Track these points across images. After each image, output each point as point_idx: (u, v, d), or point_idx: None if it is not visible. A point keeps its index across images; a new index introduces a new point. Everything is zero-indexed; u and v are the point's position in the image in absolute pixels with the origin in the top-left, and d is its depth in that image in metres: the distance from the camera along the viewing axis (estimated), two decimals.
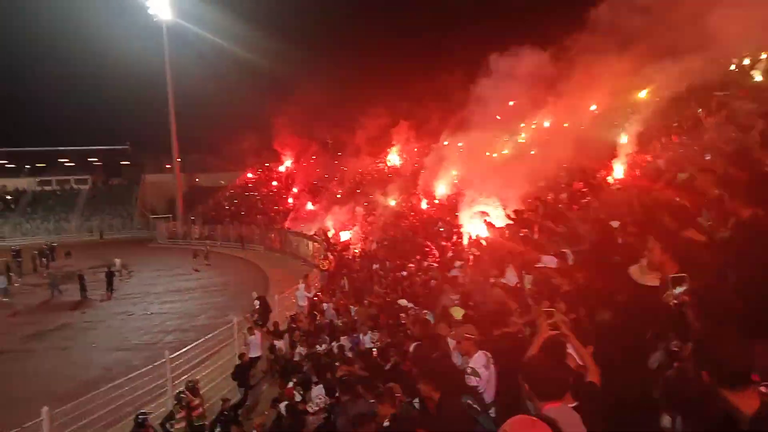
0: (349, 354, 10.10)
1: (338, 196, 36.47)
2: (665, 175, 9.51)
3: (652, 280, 4.33)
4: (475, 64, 19.50)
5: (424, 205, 25.43)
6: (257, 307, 17.46)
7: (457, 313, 7.07)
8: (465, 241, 15.47)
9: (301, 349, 12.31)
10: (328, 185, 40.84)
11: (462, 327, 5.93)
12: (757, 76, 12.31)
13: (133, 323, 20.38)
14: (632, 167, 13.08)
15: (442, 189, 23.94)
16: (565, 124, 18.40)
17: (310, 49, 62.68)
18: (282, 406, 9.16)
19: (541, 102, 18.14)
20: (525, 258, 8.39)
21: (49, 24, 59.95)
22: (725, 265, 4.29)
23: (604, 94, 15.13)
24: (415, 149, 38.28)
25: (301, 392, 9.26)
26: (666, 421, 3.31)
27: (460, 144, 22.87)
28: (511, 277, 8.47)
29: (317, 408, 8.23)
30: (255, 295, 18.27)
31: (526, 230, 10.79)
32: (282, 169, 52.16)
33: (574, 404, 3.42)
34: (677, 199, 6.66)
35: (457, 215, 18.56)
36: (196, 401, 10.44)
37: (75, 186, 65.23)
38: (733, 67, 13.04)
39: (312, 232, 31.51)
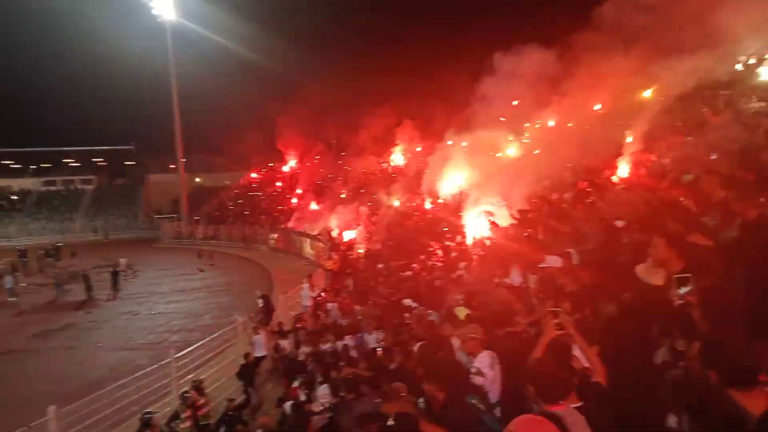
0: (354, 353, 10.10)
1: (342, 196, 36.45)
2: (670, 174, 9.49)
3: (657, 280, 4.33)
4: (480, 63, 19.49)
5: (428, 205, 25.38)
6: (260, 305, 17.51)
7: (462, 313, 7.06)
8: (469, 242, 15.44)
9: (305, 349, 12.32)
10: (332, 185, 40.81)
11: (467, 327, 5.93)
12: (764, 75, 12.25)
13: (138, 323, 20.44)
14: (637, 167, 13.03)
15: (446, 189, 23.89)
16: (570, 124, 18.34)
17: (314, 48, 62.85)
18: (287, 405, 9.18)
19: (545, 101, 18.08)
20: (529, 258, 8.38)
21: (53, 24, 60.40)
22: (732, 266, 4.28)
23: (609, 93, 15.09)
24: (418, 149, 38.17)
25: (306, 392, 9.27)
26: (672, 421, 3.30)
27: (464, 144, 22.79)
28: (515, 278, 8.46)
29: (322, 407, 8.23)
30: (258, 293, 18.31)
31: (531, 230, 10.78)
32: (286, 169, 52.21)
33: (578, 404, 3.42)
34: (682, 199, 6.65)
35: (461, 215, 18.54)
36: (202, 401, 10.47)
37: (80, 186, 65.59)
38: (739, 66, 12.97)
39: (316, 232, 31.52)
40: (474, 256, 12.98)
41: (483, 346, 5.39)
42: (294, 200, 43.47)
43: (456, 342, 6.11)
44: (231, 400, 10.88)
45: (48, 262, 35.64)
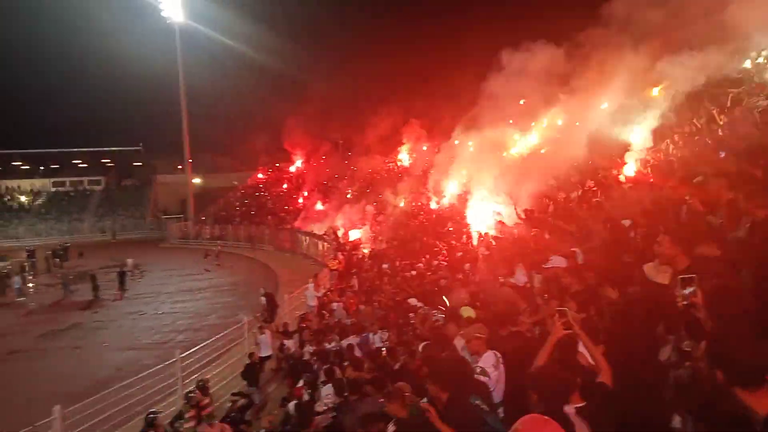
0: (358, 353, 10.07)
1: (348, 195, 36.47)
2: (678, 173, 9.40)
3: (664, 279, 4.29)
4: (487, 62, 19.39)
5: (433, 204, 25.34)
6: (263, 303, 17.54)
7: (467, 312, 7.01)
8: (474, 241, 15.37)
9: (309, 348, 12.30)
10: (338, 185, 40.84)
11: (472, 326, 5.88)
12: None
13: (144, 323, 20.51)
14: (644, 165, 12.93)
15: (452, 188, 23.84)
16: (577, 123, 18.24)
17: (321, 48, 63.09)
18: (291, 405, 9.16)
19: (552, 99, 18.00)
20: (535, 258, 8.32)
21: (63, 26, 60.75)
22: (739, 266, 4.23)
23: (617, 91, 14.98)
24: (424, 147, 38.11)
25: (310, 391, 9.25)
26: (677, 421, 3.26)
27: (470, 143, 22.74)
28: (520, 277, 8.40)
29: (326, 407, 8.20)
30: (262, 291, 18.34)
31: (537, 229, 10.72)
32: (292, 169, 52.29)
33: (582, 405, 3.38)
34: (688, 198, 6.59)
35: (466, 214, 18.48)
36: (206, 400, 10.45)
37: (88, 187, 65.99)
38: (747, 63, 12.84)
39: (322, 232, 31.55)
40: (479, 256, 12.91)
41: (488, 346, 5.35)
42: (300, 200, 43.53)
43: (460, 342, 6.06)
44: (234, 401, 10.88)
45: (55, 262, 35.86)
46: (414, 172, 33.73)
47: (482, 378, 4.95)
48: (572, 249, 7.43)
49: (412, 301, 11.25)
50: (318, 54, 60.90)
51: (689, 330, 3.51)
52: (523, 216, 12.62)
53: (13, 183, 63.54)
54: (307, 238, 33.41)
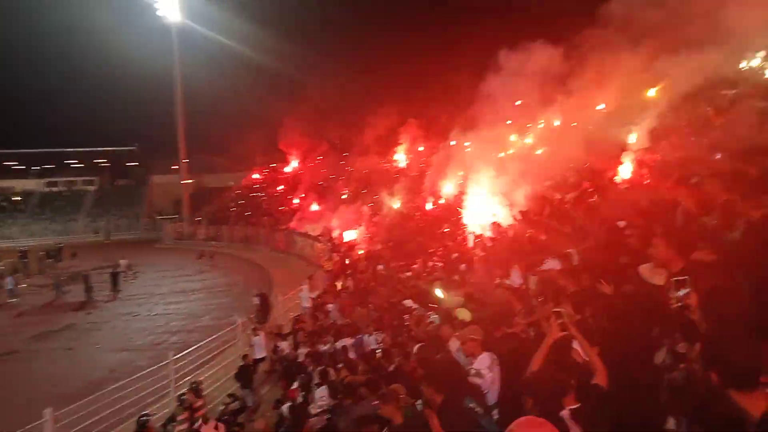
0: (353, 355, 10.03)
1: (344, 196, 36.42)
2: (673, 174, 9.40)
3: (659, 280, 4.28)
4: (483, 62, 19.38)
5: (429, 205, 25.33)
6: (256, 303, 17.49)
7: (462, 314, 6.99)
8: (470, 243, 15.36)
9: (304, 350, 12.26)
10: (334, 185, 40.80)
11: (467, 328, 5.86)
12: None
13: (137, 324, 20.41)
14: (640, 167, 12.95)
15: (448, 189, 23.84)
16: (574, 123, 18.26)
17: (317, 48, 62.88)
18: (285, 407, 9.11)
19: (549, 100, 18.02)
20: (530, 259, 8.32)
21: (58, 25, 60.52)
22: (735, 267, 4.22)
23: (613, 92, 15.01)
24: (421, 148, 38.11)
25: (302, 394, 9.20)
26: (671, 423, 3.24)
27: (467, 144, 22.75)
28: (515, 278, 8.39)
29: (320, 410, 8.16)
30: (255, 292, 18.31)
31: (533, 230, 10.72)
32: (288, 169, 52.22)
33: (576, 406, 3.36)
34: (682, 200, 6.59)
35: (462, 216, 18.48)
36: (199, 403, 10.39)
37: (82, 187, 65.67)
38: (743, 64, 12.89)
39: (317, 233, 31.48)
40: (474, 257, 12.90)
41: (483, 348, 5.33)
42: (296, 201, 43.46)
43: (455, 343, 6.04)
44: (227, 404, 10.81)
45: (48, 263, 35.68)
46: (410, 172, 33.74)
47: (477, 380, 4.93)
48: (567, 250, 7.42)
49: (408, 302, 11.24)
50: (314, 54, 60.73)
51: (684, 332, 3.50)
52: (518, 217, 12.62)
53: (5, 183, 63.14)
54: (302, 239, 33.33)
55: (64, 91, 70.89)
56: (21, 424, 9.24)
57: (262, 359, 13.67)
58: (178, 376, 11.80)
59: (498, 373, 5.06)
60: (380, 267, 17.95)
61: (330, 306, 15.48)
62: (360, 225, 28.42)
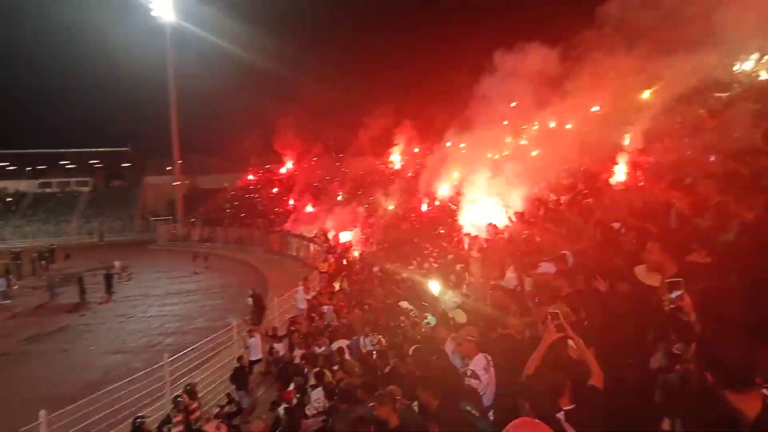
0: (348, 357, 10.02)
1: (339, 198, 36.39)
2: (667, 176, 9.46)
3: (655, 281, 4.30)
4: (479, 63, 19.43)
5: (425, 207, 25.34)
6: (250, 304, 17.45)
7: (459, 316, 7.00)
8: (465, 245, 15.38)
9: (299, 352, 12.24)
10: (329, 187, 40.75)
11: (463, 329, 5.87)
12: (762, 76, 12.24)
13: (132, 326, 20.32)
14: (635, 168, 13.01)
15: (443, 190, 23.87)
16: (568, 125, 18.34)
17: (312, 49, 62.92)
18: (281, 409, 9.09)
19: (544, 101, 18.07)
20: (525, 260, 8.33)
21: (51, 25, 60.29)
22: (729, 268, 4.24)
23: (607, 94, 15.08)
24: (416, 150, 38.13)
25: (298, 396, 9.19)
26: (666, 424, 3.26)
27: (462, 145, 22.79)
28: (510, 280, 8.41)
29: (315, 411, 8.16)
30: (249, 292, 18.26)
31: (528, 232, 10.75)
32: (283, 170, 52.13)
33: (570, 407, 3.38)
34: (675, 202, 6.64)
35: (457, 217, 18.50)
36: (194, 405, 10.36)
37: (76, 188, 65.32)
38: (736, 67, 12.98)
39: (312, 234, 31.44)
40: (470, 259, 12.91)
41: (478, 349, 5.34)
42: (291, 202, 43.38)
43: (451, 344, 6.05)
44: (222, 407, 10.78)
45: (42, 264, 35.49)
46: (405, 174, 33.75)
47: (473, 381, 4.95)
48: (562, 252, 7.44)
49: (403, 304, 11.23)
50: (309, 55, 60.81)
51: (678, 332, 3.52)
52: (514, 218, 12.66)
53: None
54: (297, 240, 33.28)
55: (58, 92, 70.66)
56: (16, 426, 9.17)
57: (258, 361, 13.64)
58: (173, 378, 11.75)
59: (493, 374, 5.08)
60: (376, 269, 17.94)
61: (325, 307, 15.47)
62: (355, 226, 28.41)
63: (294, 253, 33.13)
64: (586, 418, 3.38)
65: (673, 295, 3.39)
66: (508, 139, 21.38)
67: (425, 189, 25.49)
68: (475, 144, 20.35)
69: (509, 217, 13.16)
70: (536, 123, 20.95)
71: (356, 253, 24.37)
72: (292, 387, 9.91)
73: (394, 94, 45.37)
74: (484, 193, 16.97)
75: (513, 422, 2.69)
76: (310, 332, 13.45)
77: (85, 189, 65.46)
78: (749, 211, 4.71)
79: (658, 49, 12.86)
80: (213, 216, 48.48)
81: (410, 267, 15.65)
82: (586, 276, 5.50)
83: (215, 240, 42.57)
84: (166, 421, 10.14)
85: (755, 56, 12.36)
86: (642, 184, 11.42)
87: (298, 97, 47.31)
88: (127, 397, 10.58)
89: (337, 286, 19.01)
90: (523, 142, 21.52)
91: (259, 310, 17.49)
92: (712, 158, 9.13)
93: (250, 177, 55.25)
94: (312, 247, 30.22)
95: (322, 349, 11.33)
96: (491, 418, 4.69)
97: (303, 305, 17.25)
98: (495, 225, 13.74)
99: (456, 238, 16.79)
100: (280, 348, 13.46)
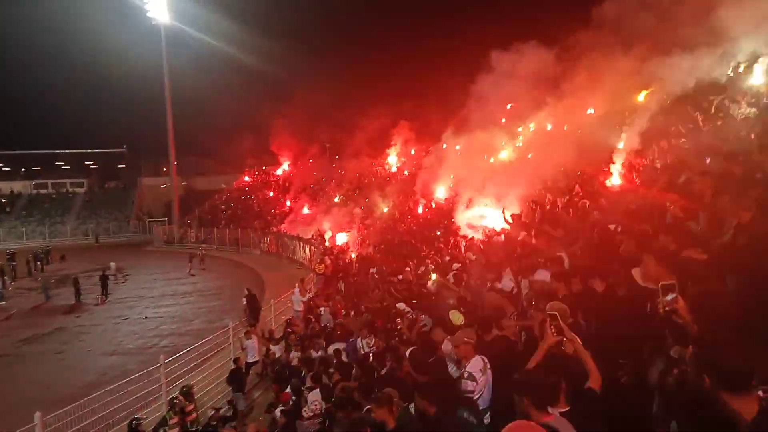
0: (345, 359, 10.01)
1: (336, 199, 36.39)
2: (662, 178, 9.50)
3: (652, 284, 4.31)
4: (476, 65, 19.48)
5: (421, 208, 25.37)
6: (245, 303, 17.43)
7: (456, 318, 7.00)
8: (462, 246, 15.40)
9: (296, 354, 12.22)
10: (325, 188, 40.73)
11: (460, 331, 5.88)
12: (756, 79, 12.29)
13: (128, 327, 20.25)
14: (630, 171, 13.06)
15: (440, 192, 23.91)
16: (565, 127, 18.39)
17: (308, 51, 62.90)
18: (277, 411, 9.07)
19: (540, 103, 18.13)
20: (522, 263, 8.34)
21: (47, 27, 60.02)
22: (725, 270, 4.27)
23: (602, 96, 15.14)
24: (412, 151, 38.16)
25: (293, 398, 9.18)
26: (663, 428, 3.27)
27: (458, 147, 22.84)
28: (506, 282, 8.42)
29: (312, 414, 8.14)
30: (245, 292, 18.25)
31: (525, 234, 10.76)
32: (279, 172, 52.09)
33: (566, 409, 3.38)
34: (669, 205, 6.66)
35: (454, 219, 18.54)
36: (190, 406, 10.34)
37: (71, 189, 65.07)
38: (730, 71, 13.04)
39: (309, 236, 31.43)
40: (466, 261, 12.93)
41: (475, 351, 5.35)
42: (287, 203, 43.34)
43: (448, 346, 6.05)
44: (217, 410, 10.74)
45: (37, 265, 35.37)
46: (402, 175, 33.77)
47: (470, 383, 4.95)
48: (559, 254, 7.47)
49: (400, 305, 11.23)
50: (305, 56, 60.82)
51: (674, 335, 3.53)
52: (510, 220, 12.68)
53: None
54: (294, 241, 33.25)
55: (53, 93, 70.08)
56: (11, 427, 9.15)
57: (255, 363, 13.61)
58: (169, 379, 11.72)
59: (490, 376, 5.08)
60: (373, 270, 17.94)
61: (322, 309, 15.45)
62: (352, 228, 28.41)
63: (290, 255, 33.11)
64: (583, 420, 3.38)
65: (668, 297, 3.41)
66: (504, 142, 21.43)
67: (422, 191, 25.54)
68: (471, 145, 20.39)
69: (505, 219, 13.18)
70: (532, 124, 21.02)
71: (353, 255, 24.37)
72: (288, 389, 9.89)
73: (390, 95, 45.49)
74: (480, 195, 17.02)
75: (509, 425, 2.70)
76: (306, 334, 13.44)
77: (81, 190, 65.22)
78: (745, 211, 4.72)
79: (653, 51, 12.93)
80: (209, 217, 48.40)
81: (407, 269, 15.64)
82: (583, 278, 5.53)
83: (211, 241, 42.43)
84: (162, 422, 10.11)
85: (748, 59, 12.42)
86: (637, 185, 11.47)
87: (294, 98, 47.35)
88: (123, 399, 10.56)
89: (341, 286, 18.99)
90: (519, 144, 21.58)
91: (253, 309, 17.48)
92: (708, 160, 9.17)
93: (246, 178, 55.20)
94: (309, 248, 30.19)
95: (319, 353, 11.30)
96: (487, 419, 4.70)
97: (299, 307, 17.23)
98: (492, 227, 13.79)
99: (452, 241, 16.82)
100: (277, 350, 13.43)
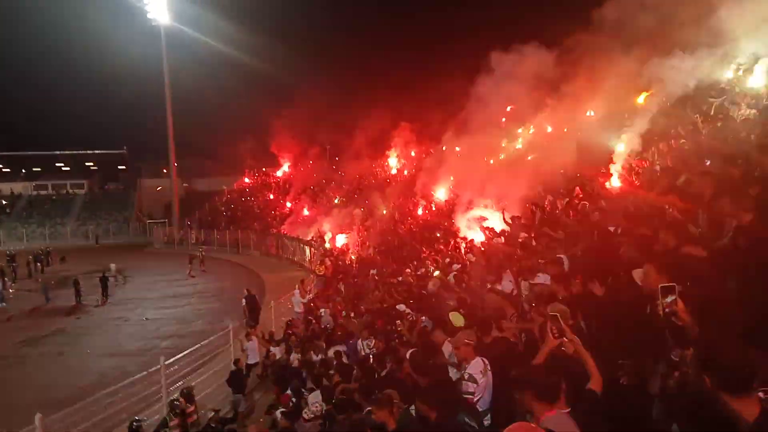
0: (346, 360, 10.02)
1: (336, 201, 36.38)
2: (661, 180, 9.52)
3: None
4: (476, 67, 19.50)
5: (421, 210, 25.36)
6: (244, 304, 17.42)
7: (457, 319, 7.01)
8: (462, 247, 15.40)
9: (297, 355, 12.22)
10: (325, 190, 40.73)
11: (461, 332, 5.88)
12: (756, 80, 12.31)
13: (128, 329, 20.24)
14: (630, 173, 13.07)
15: (440, 194, 23.91)
16: (565, 129, 18.40)
17: (308, 52, 62.95)
18: (278, 413, 9.07)
19: (540, 105, 18.14)
20: (522, 264, 8.36)
21: (47, 28, 60.12)
22: (725, 272, 4.27)
23: (603, 98, 15.16)
24: (412, 153, 38.15)
25: (293, 400, 9.17)
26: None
27: (458, 149, 22.85)
28: (506, 284, 8.43)
29: (313, 415, 8.14)
30: (245, 293, 18.24)
31: (525, 236, 10.77)
32: (279, 173, 52.09)
33: (567, 410, 3.39)
34: (668, 207, 6.67)
35: (454, 221, 18.53)
36: (191, 408, 10.33)
37: (71, 190, 65.12)
38: (730, 73, 13.06)
39: (309, 237, 31.43)
40: (466, 262, 12.93)
41: (476, 353, 5.35)
42: (288, 204, 43.33)
43: (448, 347, 6.06)
44: (216, 411, 10.73)
45: (37, 267, 35.37)
46: (402, 177, 33.76)
47: (471, 384, 4.95)
48: (558, 255, 7.47)
49: (400, 307, 11.23)
50: (306, 57, 60.84)
51: (675, 337, 3.54)
52: (510, 222, 12.69)
53: None
54: (294, 243, 33.25)
55: (53, 94, 70.17)
56: (9, 430, 9.14)
57: (255, 364, 13.61)
58: (169, 381, 11.71)
59: (490, 377, 5.09)
60: (373, 272, 17.94)
61: (322, 310, 15.46)
62: (352, 229, 28.40)
63: (290, 257, 33.10)
64: (583, 421, 3.38)
65: (668, 299, 3.42)
66: (504, 143, 21.45)
67: (422, 192, 25.54)
68: (471, 147, 20.39)
69: (505, 220, 13.19)
70: (532, 127, 21.03)
71: (353, 256, 24.37)
72: (289, 391, 9.89)
73: (390, 96, 45.41)
74: (481, 197, 17.01)
75: (509, 427, 2.70)
76: (306, 336, 13.44)
77: (81, 191, 65.28)
78: (745, 212, 4.72)
79: (653, 53, 12.95)
80: (209, 219, 48.39)
81: (407, 270, 15.65)
82: (583, 280, 5.53)
83: (211, 243, 42.45)
84: (163, 424, 10.10)
85: (747, 61, 12.45)
86: (638, 186, 11.48)
87: (294, 100, 47.38)
88: (123, 401, 10.54)
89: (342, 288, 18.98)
90: (518, 146, 21.59)
91: (253, 310, 17.47)
92: (708, 163, 9.19)
93: (247, 180, 55.20)
94: (309, 250, 30.19)
95: (320, 356, 11.30)
96: (487, 421, 4.71)
97: (299, 308, 17.24)
98: (492, 229, 13.79)
99: (453, 242, 16.82)
100: (277, 351, 13.43)
